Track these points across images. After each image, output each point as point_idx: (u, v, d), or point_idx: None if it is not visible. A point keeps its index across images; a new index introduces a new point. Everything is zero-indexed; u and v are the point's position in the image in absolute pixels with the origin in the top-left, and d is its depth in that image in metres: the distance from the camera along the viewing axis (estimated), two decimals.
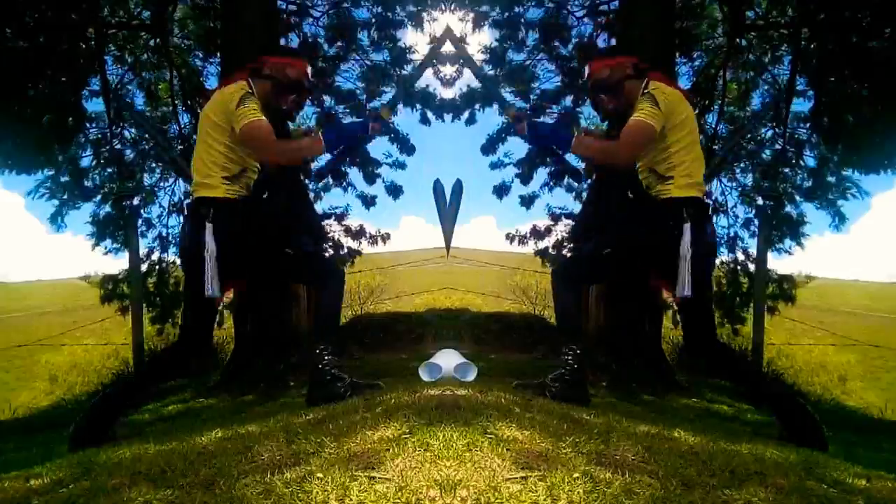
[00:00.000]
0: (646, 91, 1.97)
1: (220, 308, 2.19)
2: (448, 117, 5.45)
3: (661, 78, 2.09)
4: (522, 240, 5.83)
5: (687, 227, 1.87)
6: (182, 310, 2.13)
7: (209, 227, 1.88)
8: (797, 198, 4.97)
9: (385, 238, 5.67)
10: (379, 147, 5.62)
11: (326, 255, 1.94)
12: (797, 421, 1.84)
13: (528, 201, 5.68)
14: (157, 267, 5.28)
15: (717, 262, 4.41)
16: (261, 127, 1.92)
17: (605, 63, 2.16)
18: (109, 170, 5.00)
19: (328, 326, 2.14)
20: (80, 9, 4.51)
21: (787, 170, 4.94)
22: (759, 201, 4.91)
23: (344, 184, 5.54)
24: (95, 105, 4.91)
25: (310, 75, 2.18)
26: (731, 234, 5.25)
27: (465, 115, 5.48)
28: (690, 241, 1.87)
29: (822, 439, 1.78)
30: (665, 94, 1.94)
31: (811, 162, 4.95)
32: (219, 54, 4.56)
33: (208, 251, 1.87)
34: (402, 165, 5.54)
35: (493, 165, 5.66)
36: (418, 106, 5.43)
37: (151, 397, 2.04)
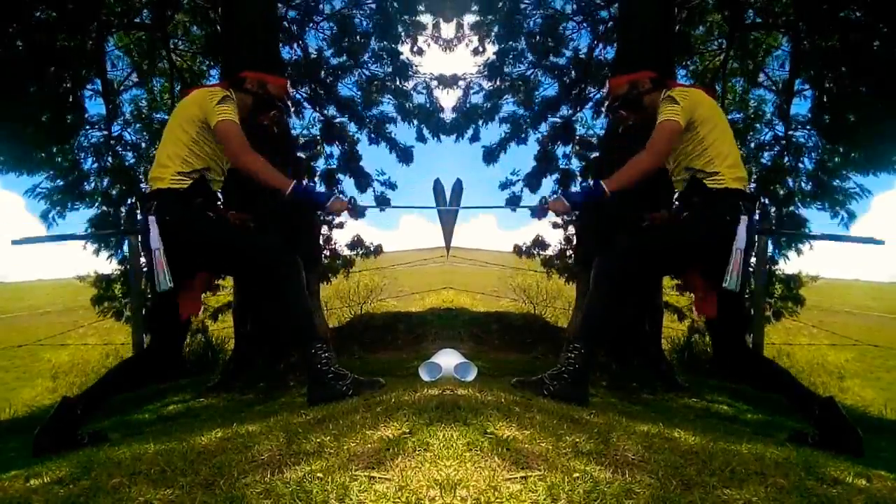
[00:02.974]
0: (666, 96, 2.02)
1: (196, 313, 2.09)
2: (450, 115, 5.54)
3: (679, 85, 2.14)
4: (530, 251, 5.87)
5: (744, 219, 1.88)
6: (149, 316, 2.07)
7: (152, 219, 1.84)
8: (797, 201, 4.95)
9: (377, 251, 5.75)
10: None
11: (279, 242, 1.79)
12: (833, 425, 1.78)
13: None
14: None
15: None
16: (236, 126, 1.93)
17: (625, 79, 2.22)
18: (107, 162, 5.00)
19: (300, 325, 2.02)
20: (82, 7, 4.51)
21: (789, 169, 4.93)
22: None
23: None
24: (97, 107, 4.93)
25: (289, 94, 2.19)
26: None
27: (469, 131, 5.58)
28: (745, 234, 1.86)
29: (860, 445, 1.73)
30: (685, 93, 2.00)
31: (810, 165, 4.95)
32: (220, 59, 4.56)
33: (153, 243, 1.83)
34: (392, 186, 5.66)
35: (503, 186, 5.71)
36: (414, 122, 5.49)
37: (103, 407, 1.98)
